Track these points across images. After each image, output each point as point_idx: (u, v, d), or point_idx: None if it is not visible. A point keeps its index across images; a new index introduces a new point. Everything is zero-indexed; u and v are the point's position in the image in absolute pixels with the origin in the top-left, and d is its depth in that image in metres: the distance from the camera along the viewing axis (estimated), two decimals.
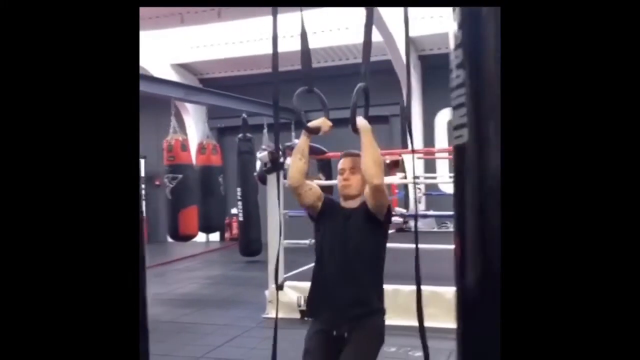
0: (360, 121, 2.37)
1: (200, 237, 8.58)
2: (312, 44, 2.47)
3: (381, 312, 2.45)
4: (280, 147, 4.99)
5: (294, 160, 2.45)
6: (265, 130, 8.09)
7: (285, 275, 5.18)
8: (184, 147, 6.77)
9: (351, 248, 2.42)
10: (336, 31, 8.83)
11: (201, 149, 7.45)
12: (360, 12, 7.17)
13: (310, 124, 2.48)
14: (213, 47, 10.47)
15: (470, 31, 1.34)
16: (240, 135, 8.30)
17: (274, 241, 5.02)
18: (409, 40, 2.40)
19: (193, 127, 11.18)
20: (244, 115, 8.02)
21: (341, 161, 2.49)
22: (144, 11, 7.92)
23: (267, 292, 5.12)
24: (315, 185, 2.57)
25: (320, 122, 2.49)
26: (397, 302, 4.23)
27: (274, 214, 5.05)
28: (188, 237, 6.86)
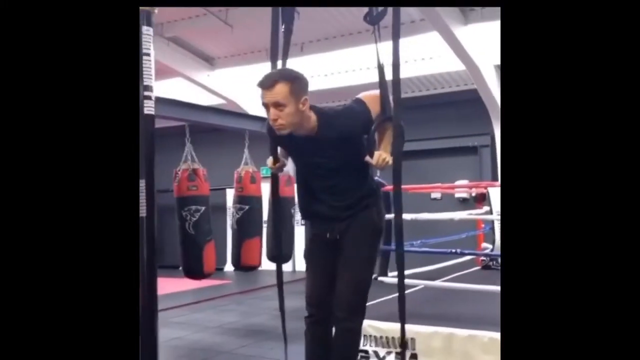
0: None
1: (287, 266, 8.37)
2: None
3: (371, 205, 2.34)
4: None
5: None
6: None
7: None
8: (254, 179, 6.75)
9: (327, 171, 2.29)
10: (412, 62, 8.57)
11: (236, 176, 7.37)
12: (438, 42, 6.96)
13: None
14: None
15: None
16: None
17: None
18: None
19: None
20: None
21: (261, 93, 2.18)
22: (229, 50, 8.18)
23: None
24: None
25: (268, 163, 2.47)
26: (452, 348, 3.82)
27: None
28: (250, 268, 6.78)
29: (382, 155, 2.18)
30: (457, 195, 8.51)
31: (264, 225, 6.96)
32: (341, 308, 2.31)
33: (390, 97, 2.29)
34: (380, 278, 4.50)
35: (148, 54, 2.49)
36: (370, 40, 2.43)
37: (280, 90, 2.10)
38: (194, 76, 8.68)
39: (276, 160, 2.45)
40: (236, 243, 6.71)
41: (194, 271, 5.76)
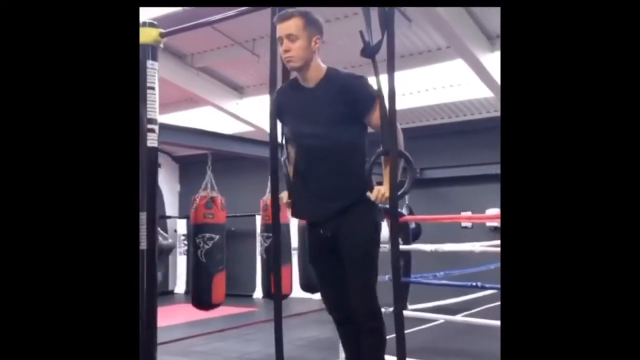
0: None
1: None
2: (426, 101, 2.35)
3: (363, 200, 2.23)
4: None
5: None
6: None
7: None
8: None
9: (320, 139, 2.23)
10: (449, 88, 8.51)
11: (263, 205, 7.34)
12: (465, 69, 6.90)
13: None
14: None
15: None
16: None
17: None
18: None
19: None
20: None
21: (277, 28, 2.22)
22: (257, 79, 8.29)
23: None
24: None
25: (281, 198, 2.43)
26: None
27: None
28: (282, 297, 6.69)
29: (381, 191, 2.17)
30: (488, 224, 8.32)
31: (294, 253, 7.03)
32: (358, 313, 2.32)
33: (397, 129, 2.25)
34: None
35: (153, 88, 2.54)
36: (441, 58, 2.41)
37: (295, 22, 2.18)
38: (224, 105, 8.79)
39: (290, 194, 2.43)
40: (266, 271, 6.71)
41: (201, 301, 5.70)
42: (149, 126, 2.57)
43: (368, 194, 2.19)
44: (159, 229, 5.35)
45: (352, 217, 2.26)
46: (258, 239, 6.91)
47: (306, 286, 7.33)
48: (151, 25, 2.57)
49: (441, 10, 5.69)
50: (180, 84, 7.93)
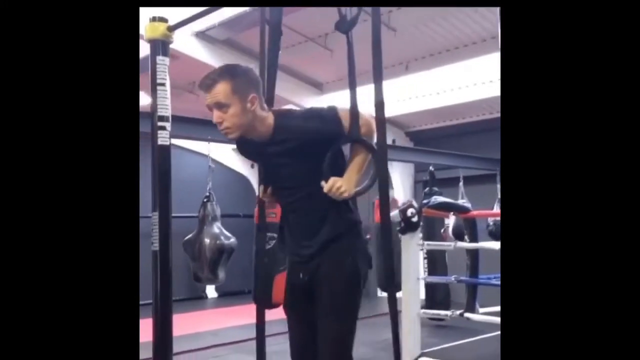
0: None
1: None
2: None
3: (345, 242, 2.01)
4: (416, 206, 4.54)
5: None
6: (461, 184, 7.83)
7: (420, 351, 4.53)
8: None
9: (294, 184, 2.04)
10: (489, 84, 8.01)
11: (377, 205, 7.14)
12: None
13: None
14: (412, 99, 9.86)
15: None
16: (426, 190, 7.78)
17: (409, 309, 4.51)
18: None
19: (399, 182, 10.87)
20: (431, 168, 7.72)
21: (206, 97, 1.96)
22: (335, 74, 8.19)
23: None
24: None
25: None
26: None
27: (410, 279, 4.52)
28: None
29: (336, 183, 1.91)
30: None
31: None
32: None
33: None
34: (466, 314, 4.14)
35: (163, 84, 2.46)
36: (474, 53, 2.19)
37: (221, 89, 1.89)
38: (304, 102, 8.71)
39: (267, 188, 2.22)
40: (262, 276, 6.49)
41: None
42: (160, 124, 2.51)
43: (322, 183, 1.94)
44: (221, 228, 5.44)
45: (331, 262, 2.01)
46: None
47: (384, 286, 7.18)
48: (160, 20, 2.49)
49: None
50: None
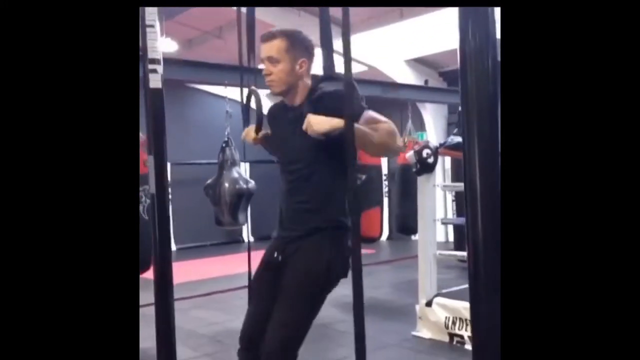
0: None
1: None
2: None
3: (327, 235, 2.00)
4: (432, 146, 4.53)
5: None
6: None
7: (436, 292, 4.62)
8: None
9: (298, 158, 2.04)
10: None
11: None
12: None
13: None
14: (445, 37, 9.03)
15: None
16: (455, 131, 7.73)
17: (425, 250, 4.58)
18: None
19: (431, 124, 10.74)
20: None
21: (261, 47, 2.05)
22: (364, 11, 7.96)
23: (417, 307, 4.67)
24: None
25: (244, 132, 2.27)
26: None
27: (426, 220, 4.58)
28: (370, 240, 6.64)
29: (310, 121, 1.90)
30: None
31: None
32: (264, 350, 1.96)
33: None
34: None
35: (152, 26, 2.42)
36: None
37: (277, 44, 2.01)
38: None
39: (259, 128, 2.22)
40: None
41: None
42: (151, 67, 2.49)
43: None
44: (240, 172, 5.51)
45: (307, 251, 2.00)
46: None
47: (402, 228, 7.27)
48: None
49: None
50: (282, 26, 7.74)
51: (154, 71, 2.53)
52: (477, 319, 1.46)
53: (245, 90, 2.36)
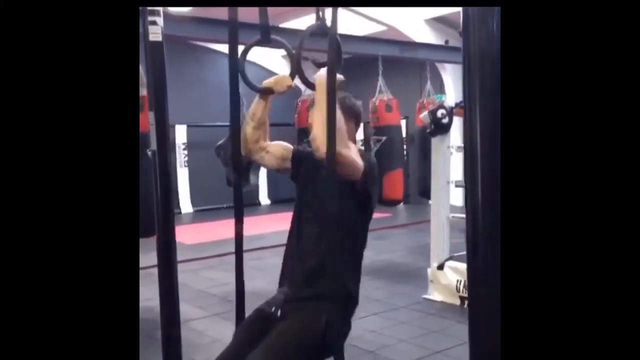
0: (319, 74, 1.83)
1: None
2: None
3: (332, 297, 1.81)
4: (447, 107, 4.38)
5: (243, 126, 2.07)
6: None
7: (448, 255, 4.53)
8: (389, 107, 6.46)
9: (318, 211, 1.92)
10: None
11: (421, 108, 6.91)
12: None
13: (264, 83, 2.05)
14: None
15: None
16: None
17: (438, 214, 4.48)
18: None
19: (451, 86, 10.47)
20: None
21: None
22: None
23: (428, 271, 4.58)
24: (272, 145, 2.10)
25: (273, 81, 2.05)
26: None
27: (439, 183, 4.45)
28: (392, 202, 6.53)
29: (283, 80, 1.94)
30: None
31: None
32: None
33: None
34: None
35: None
36: None
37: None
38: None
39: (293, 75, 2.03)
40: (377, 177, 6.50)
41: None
42: (150, 18, 2.37)
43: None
44: None
45: (306, 314, 1.85)
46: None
47: (423, 192, 7.11)
48: None
49: None
50: None
51: (154, 23, 2.42)
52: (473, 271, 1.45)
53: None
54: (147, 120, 2.51)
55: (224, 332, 2.51)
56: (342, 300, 1.88)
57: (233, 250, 1.99)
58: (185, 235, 8.17)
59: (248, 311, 2.00)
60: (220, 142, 5.32)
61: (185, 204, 10.86)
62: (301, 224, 2.00)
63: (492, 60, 1.32)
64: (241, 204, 2.02)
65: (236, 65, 1.98)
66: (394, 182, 6.36)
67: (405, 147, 10.35)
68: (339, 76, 1.78)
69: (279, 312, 1.91)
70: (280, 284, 2.05)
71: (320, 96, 1.77)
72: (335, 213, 1.78)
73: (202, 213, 10.26)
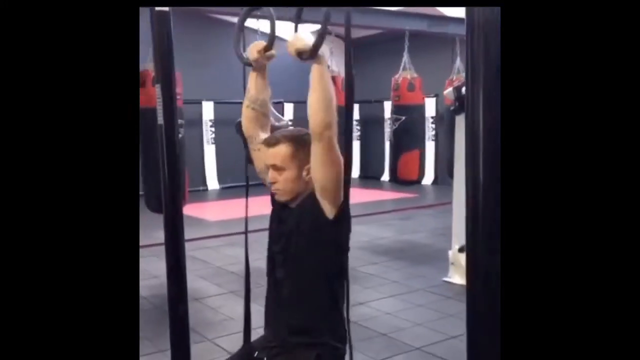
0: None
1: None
2: None
3: (316, 345, 1.77)
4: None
5: (243, 106, 1.99)
6: None
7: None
8: (412, 86, 6.32)
9: (291, 259, 1.83)
10: None
11: (450, 86, 6.74)
12: None
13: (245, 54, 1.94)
14: None
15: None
16: None
17: (460, 195, 4.34)
18: None
19: None
20: None
21: (266, 152, 1.84)
22: None
23: (449, 253, 4.48)
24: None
25: (249, 48, 1.91)
26: None
27: (461, 162, 4.29)
28: (407, 183, 6.44)
29: (256, 46, 1.82)
30: None
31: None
32: None
33: None
34: None
35: None
36: None
37: (282, 151, 1.81)
38: None
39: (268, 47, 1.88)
40: (393, 156, 6.50)
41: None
42: None
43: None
44: (271, 109, 5.35)
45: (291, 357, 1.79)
46: (387, 123, 6.66)
47: (451, 172, 6.97)
48: None
49: None
50: None
51: None
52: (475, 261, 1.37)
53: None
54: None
55: (239, 310, 2.49)
56: (325, 348, 1.80)
57: (257, 228, 1.90)
58: (210, 211, 8.19)
59: (254, 286, 1.98)
60: (239, 120, 5.28)
61: (212, 181, 10.81)
62: (272, 267, 1.89)
63: (495, 69, 1.28)
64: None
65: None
66: (410, 163, 6.27)
67: (434, 126, 10.28)
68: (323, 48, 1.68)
69: (261, 358, 1.85)
70: (265, 328, 1.95)
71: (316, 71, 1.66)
72: (310, 254, 1.77)
73: (229, 190, 10.27)
